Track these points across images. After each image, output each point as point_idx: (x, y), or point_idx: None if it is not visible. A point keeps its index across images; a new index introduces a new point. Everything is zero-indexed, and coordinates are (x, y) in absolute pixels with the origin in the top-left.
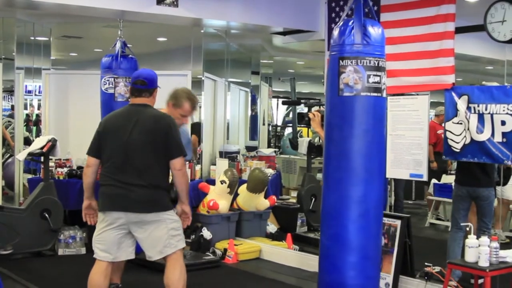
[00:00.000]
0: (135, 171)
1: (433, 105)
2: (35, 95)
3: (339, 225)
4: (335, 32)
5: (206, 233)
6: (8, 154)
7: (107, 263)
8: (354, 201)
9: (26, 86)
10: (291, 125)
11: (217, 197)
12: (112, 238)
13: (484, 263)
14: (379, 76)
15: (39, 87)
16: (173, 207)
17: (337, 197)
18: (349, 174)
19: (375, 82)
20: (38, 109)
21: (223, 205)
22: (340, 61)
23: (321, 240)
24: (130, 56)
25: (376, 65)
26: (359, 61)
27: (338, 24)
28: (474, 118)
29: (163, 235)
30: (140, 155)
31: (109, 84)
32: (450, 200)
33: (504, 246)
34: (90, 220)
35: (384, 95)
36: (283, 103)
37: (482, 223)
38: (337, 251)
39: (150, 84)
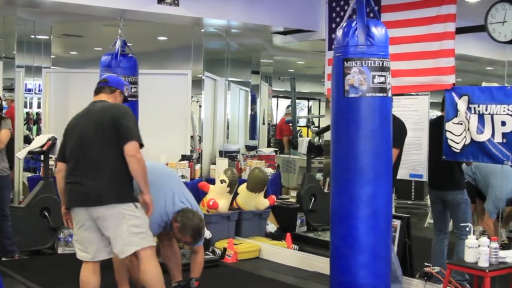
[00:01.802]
0: (89, 164)
1: (433, 105)
2: (35, 93)
3: (349, 225)
4: (339, 33)
5: (206, 232)
6: None
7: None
8: (363, 201)
9: (26, 84)
10: (291, 125)
11: (217, 197)
12: (86, 238)
13: (483, 263)
14: (384, 76)
15: (39, 85)
16: (134, 200)
17: (346, 198)
18: (357, 175)
19: (380, 83)
20: (38, 107)
21: (223, 204)
22: (345, 62)
23: (331, 240)
24: (130, 55)
25: (381, 65)
26: (363, 62)
27: (341, 25)
28: (474, 119)
29: (123, 232)
30: (93, 147)
31: None
32: None
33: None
34: (70, 224)
35: (390, 95)
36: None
37: (456, 229)
38: (347, 251)
39: (111, 82)
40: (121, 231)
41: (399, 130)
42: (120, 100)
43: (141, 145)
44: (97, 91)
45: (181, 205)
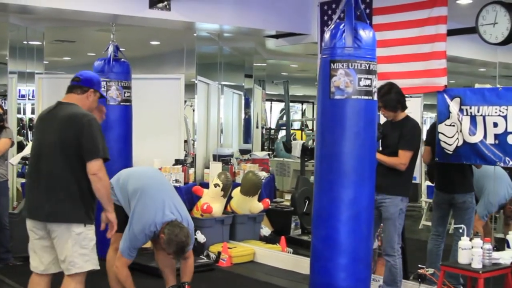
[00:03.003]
0: (44, 175)
1: (426, 107)
2: (29, 99)
3: (330, 227)
4: (327, 35)
5: (200, 237)
6: None
7: (46, 273)
8: (345, 203)
9: (19, 90)
10: (284, 128)
11: (211, 201)
12: (37, 249)
13: (477, 265)
14: (370, 79)
15: (33, 91)
16: (88, 220)
17: (328, 199)
18: (340, 176)
19: (366, 85)
20: (32, 113)
21: (217, 208)
22: (331, 64)
23: (312, 242)
24: (123, 60)
25: (367, 68)
26: (350, 64)
27: (329, 27)
28: (466, 120)
29: (68, 251)
30: (48, 157)
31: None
32: None
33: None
34: None
35: (375, 98)
36: None
37: (456, 232)
38: (328, 253)
39: (83, 81)
40: (68, 248)
41: (412, 132)
42: (93, 99)
43: (106, 159)
44: (68, 90)
45: (171, 216)
